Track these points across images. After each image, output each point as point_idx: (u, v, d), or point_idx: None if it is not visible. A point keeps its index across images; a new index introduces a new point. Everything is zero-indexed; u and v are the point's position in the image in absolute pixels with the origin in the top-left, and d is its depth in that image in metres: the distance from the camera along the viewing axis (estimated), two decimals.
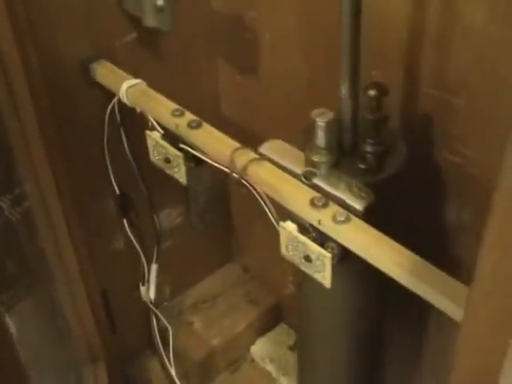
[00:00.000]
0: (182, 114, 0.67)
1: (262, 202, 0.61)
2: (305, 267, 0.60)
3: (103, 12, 0.73)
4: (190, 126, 0.66)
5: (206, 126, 0.66)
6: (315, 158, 0.60)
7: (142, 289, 0.91)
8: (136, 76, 0.72)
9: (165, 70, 0.82)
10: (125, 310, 0.96)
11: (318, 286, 0.60)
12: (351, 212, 0.56)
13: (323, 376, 0.79)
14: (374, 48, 0.62)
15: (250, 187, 0.62)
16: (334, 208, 0.57)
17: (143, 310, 0.94)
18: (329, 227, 0.56)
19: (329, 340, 0.74)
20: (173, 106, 0.69)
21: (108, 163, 0.79)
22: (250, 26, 0.80)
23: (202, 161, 0.66)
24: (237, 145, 0.64)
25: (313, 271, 0.60)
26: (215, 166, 0.64)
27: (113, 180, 0.81)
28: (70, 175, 0.78)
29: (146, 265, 0.89)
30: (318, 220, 0.57)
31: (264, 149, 0.63)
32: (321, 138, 0.59)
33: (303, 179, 0.60)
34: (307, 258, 0.59)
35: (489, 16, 0.56)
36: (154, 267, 0.90)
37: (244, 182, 0.62)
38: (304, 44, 0.73)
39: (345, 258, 0.57)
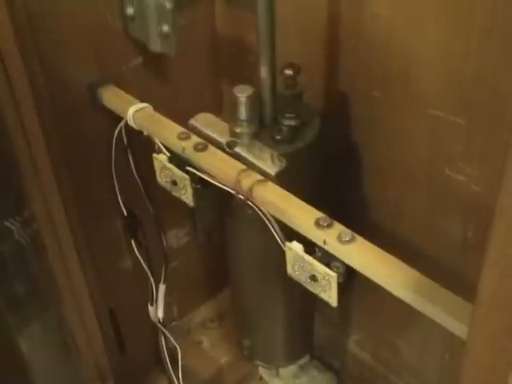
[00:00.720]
0: (187, 137, 0.69)
1: (268, 223, 0.62)
2: (311, 287, 0.61)
3: (110, 38, 0.74)
4: (196, 148, 0.67)
5: (212, 149, 0.67)
6: (237, 130, 0.67)
7: (151, 308, 0.92)
8: (142, 99, 0.74)
9: (170, 92, 0.83)
10: (133, 329, 0.97)
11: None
12: (266, 177, 0.63)
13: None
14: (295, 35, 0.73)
15: (256, 208, 0.63)
16: (338, 228, 0.58)
17: (151, 329, 0.95)
18: (334, 247, 0.57)
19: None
20: (179, 129, 0.70)
21: (115, 185, 0.80)
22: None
23: (209, 182, 0.67)
24: (242, 167, 0.65)
25: (319, 290, 0.61)
26: (221, 188, 0.65)
27: (120, 201, 0.82)
28: (77, 197, 0.79)
29: (154, 284, 0.90)
30: (324, 240, 0.58)
31: (194, 120, 0.70)
32: (242, 112, 0.67)
33: (226, 148, 0.67)
34: (313, 278, 0.60)
35: None
36: (162, 287, 0.91)
37: (250, 203, 0.63)
38: (305, 63, 0.75)
39: (350, 277, 0.58)
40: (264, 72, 0.67)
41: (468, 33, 0.59)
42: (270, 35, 0.65)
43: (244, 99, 0.66)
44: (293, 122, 0.68)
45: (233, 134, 0.68)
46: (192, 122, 0.70)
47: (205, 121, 0.71)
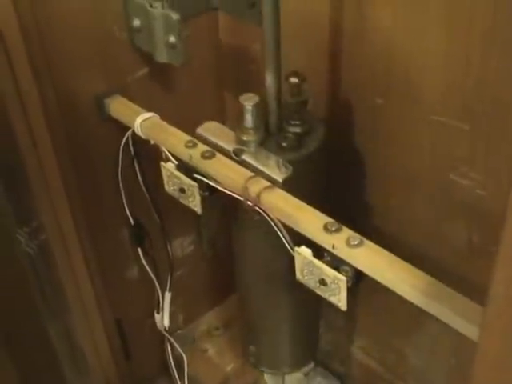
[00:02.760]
0: (194, 145, 0.70)
1: (277, 229, 0.63)
2: (320, 291, 0.62)
3: (117, 50, 0.75)
4: (204, 156, 0.68)
5: (219, 156, 0.68)
6: (244, 137, 0.69)
7: (157, 317, 0.92)
8: (148, 108, 0.75)
9: (175, 102, 0.84)
10: (139, 337, 0.97)
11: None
12: (274, 183, 0.65)
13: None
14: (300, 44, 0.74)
15: (264, 214, 0.64)
16: (347, 232, 0.59)
17: (157, 337, 0.95)
18: (343, 251, 0.58)
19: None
20: (186, 137, 0.71)
21: (123, 194, 0.81)
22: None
23: (216, 190, 0.68)
24: (249, 173, 0.66)
25: (328, 295, 0.61)
26: (228, 194, 0.66)
27: (127, 210, 0.83)
28: (85, 206, 0.80)
29: (160, 293, 0.90)
30: (333, 245, 0.58)
31: (201, 129, 0.71)
32: (248, 120, 0.68)
33: (233, 155, 0.68)
34: (322, 282, 0.61)
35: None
36: (168, 295, 0.91)
37: (258, 209, 0.64)
38: (308, 71, 0.76)
39: (360, 280, 0.59)
40: (269, 80, 0.68)
41: (469, 40, 0.60)
42: (275, 44, 0.66)
43: (250, 107, 0.67)
44: (298, 130, 0.69)
45: (239, 141, 0.69)
46: (199, 130, 0.72)
47: (211, 129, 0.72)
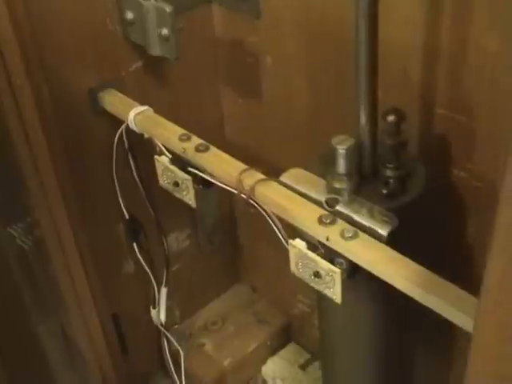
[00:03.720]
0: (189, 139, 0.69)
1: (271, 222, 0.63)
2: (315, 283, 0.62)
3: (110, 43, 0.75)
4: (198, 149, 0.68)
5: (214, 149, 0.68)
6: (337, 185, 0.60)
7: (153, 312, 0.92)
8: (142, 102, 0.74)
9: (170, 95, 0.84)
10: (136, 333, 0.97)
11: (333, 301, 0.61)
12: (376, 238, 0.57)
13: None
14: (387, 74, 0.63)
15: (258, 207, 0.63)
16: (341, 224, 0.58)
17: (154, 333, 0.95)
18: (337, 243, 0.58)
19: (348, 357, 0.75)
20: (180, 130, 0.70)
21: (117, 188, 0.81)
22: (252, 51, 0.82)
23: (210, 183, 0.68)
24: (244, 166, 0.65)
25: (323, 287, 0.61)
26: (223, 188, 0.66)
27: (122, 205, 0.83)
28: (79, 201, 0.80)
29: (156, 288, 0.90)
30: (327, 237, 0.58)
31: (285, 177, 0.64)
32: (342, 165, 0.60)
33: (326, 206, 0.60)
34: (317, 275, 0.61)
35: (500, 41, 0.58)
36: (164, 290, 0.91)
37: (252, 202, 0.63)
38: (306, 67, 0.75)
39: (354, 273, 0.58)
40: (364, 119, 0.60)
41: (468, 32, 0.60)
42: (371, 77, 0.58)
43: (344, 151, 0.59)
44: (398, 173, 0.61)
45: (331, 189, 0.61)
46: (283, 178, 0.64)
47: (296, 176, 0.64)
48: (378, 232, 0.57)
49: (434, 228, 0.69)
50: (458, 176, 0.67)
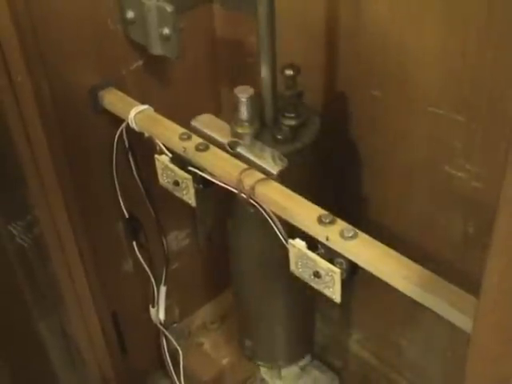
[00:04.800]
0: (189, 138, 0.69)
1: (271, 221, 0.63)
2: (314, 283, 0.62)
3: (111, 42, 0.75)
4: (198, 148, 0.68)
5: (213, 149, 0.68)
6: (239, 130, 0.68)
7: (152, 310, 0.92)
8: (143, 101, 0.74)
9: (170, 95, 0.84)
10: (135, 331, 0.97)
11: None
12: (268, 176, 0.64)
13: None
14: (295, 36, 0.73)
15: (258, 206, 0.63)
16: (341, 224, 0.58)
17: (153, 331, 0.95)
18: (337, 243, 0.58)
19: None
20: (180, 129, 0.70)
21: (117, 187, 0.81)
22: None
23: (210, 182, 0.68)
24: (244, 166, 0.65)
25: (322, 287, 0.61)
26: (222, 187, 0.66)
27: (122, 203, 0.83)
28: (79, 200, 0.80)
29: (155, 286, 0.90)
30: (326, 236, 0.58)
31: (195, 122, 0.71)
32: (243, 112, 0.67)
33: (228, 148, 0.68)
34: (316, 274, 0.61)
35: None
36: (163, 289, 0.91)
37: (252, 201, 0.63)
38: (304, 63, 0.75)
39: (354, 273, 0.59)
40: (264, 72, 0.68)
41: (465, 32, 0.60)
42: (270, 35, 0.66)
43: (245, 100, 0.67)
44: (293, 122, 0.69)
45: (234, 134, 0.69)
46: (193, 123, 0.71)
47: (206, 122, 0.71)
48: (269, 171, 0.65)
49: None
50: (455, 175, 0.68)
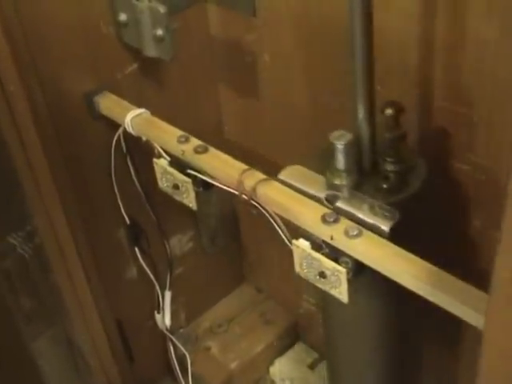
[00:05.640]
0: (187, 140, 0.68)
1: (273, 222, 0.62)
2: (320, 284, 0.61)
3: (104, 46, 0.74)
4: (196, 151, 0.67)
5: (213, 150, 0.67)
6: (336, 181, 0.60)
7: (158, 316, 0.91)
8: (139, 105, 0.73)
9: (167, 97, 0.83)
10: (141, 338, 0.96)
11: (338, 301, 0.60)
12: (377, 233, 0.56)
13: None
14: (385, 67, 0.62)
15: (261, 208, 0.62)
16: (345, 223, 0.57)
17: (159, 337, 0.94)
18: (342, 242, 0.56)
19: (354, 355, 0.74)
20: (178, 132, 0.69)
21: (117, 193, 0.80)
22: (249, 49, 0.81)
23: (210, 185, 0.67)
24: (244, 166, 0.64)
25: (329, 287, 0.60)
26: (223, 189, 0.65)
27: (122, 210, 0.82)
28: (79, 208, 0.79)
29: (159, 292, 0.89)
30: (331, 236, 0.57)
31: (283, 175, 0.63)
32: (341, 161, 0.59)
33: (326, 203, 0.60)
34: (322, 275, 0.59)
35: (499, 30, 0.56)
36: (168, 294, 0.90)
37: (254, 202, 0.62)
38: (304, 65, 0.74)
39: (360, 272, 0.57)
40: (362, 114, 0.59)
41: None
42: (369, 72, 0.57)
43: (342, 147, 0.58)
44: (398, 167, 0.60)
45: (331, 186, 0.60)
46: (282, 176, 0.63)
47: (295, 174, 0.63)
48: (379, 228, 0.56)
49: (439, 223, 0.68)
50: (460, 169, 0.66)
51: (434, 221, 0.66)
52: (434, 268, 0.53)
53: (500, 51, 0.57)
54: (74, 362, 0.91)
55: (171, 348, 0.93)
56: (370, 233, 0.56)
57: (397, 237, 0.56)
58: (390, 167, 0.60)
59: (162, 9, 0.69)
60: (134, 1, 0.70)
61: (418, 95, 0.65)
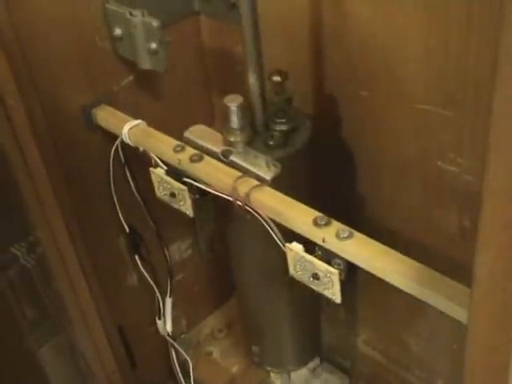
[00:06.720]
0: (183, 150, 0.70)
1: (267, 226, 0.63)
2: (314, 285, 0.62)
3: (100, 59, 0.76)
4: (192, 159, 0.69)
5: (207, 159, 0.69)
6: (231, 138, 0.69)
7: (159, 323, 0.93)
8: (136, 116, 0.75)
9: (162, 108, 0.85)
10: (143, 345, 0.98)
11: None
12: (262, 182, 0.65)
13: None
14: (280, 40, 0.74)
15: (254, 213, 0.64)
16: (336, 225, 0.59)
17: (161, 343, 0.95)
18: (333, 244, 0.58)
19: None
20: (174, 142, 0.71)
21: (116, 202, 0.82)
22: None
23: (206, 192, 0.68)
24: (238, 174, 0.66)
25: (322, 288, 0.62)
26: (219, 196, 0.67)
27: (122, 218, 0.84)
28: (79, 217, 0.81)
29: (160, 299, 0.91)
30: (323, 238, 0.59)
31: (188, 133, 0.72)
32: (234, 121, 0.68)
33: (221, 157, 0.69)
34: (315, 276, 0.61)
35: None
36: (169, 300, 0.91)
37: (248, 208, 0.64)
38: (292, 68, 0.76)
39: (352, 273, 0.59)
40: (252, 80, 0.69)
41: (447, 28, 0.60)
42: (256, 43, 0.66)
43: (235, 108, 0.68)
44: (284, 127, 0.70)
45: (227, 143, 0.70)
46: (186, 134, 0.72)
47: (199, 132, 0.72)
48: (263, 177, 0.65)
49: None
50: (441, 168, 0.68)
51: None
52: (422, 266, 0.55)
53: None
54: (77, 368, 0.93)
55: (173, 353, 0.95)
56: (360, 234, 0.58)
57: (280, 186, 0.65)
58: (278, 127, 0.69)
59: (155, 23, 0.71)
60: (128, 15, 0.72)
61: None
